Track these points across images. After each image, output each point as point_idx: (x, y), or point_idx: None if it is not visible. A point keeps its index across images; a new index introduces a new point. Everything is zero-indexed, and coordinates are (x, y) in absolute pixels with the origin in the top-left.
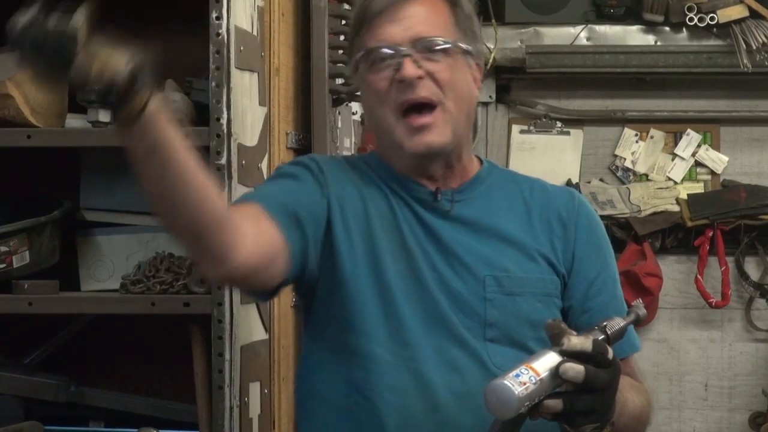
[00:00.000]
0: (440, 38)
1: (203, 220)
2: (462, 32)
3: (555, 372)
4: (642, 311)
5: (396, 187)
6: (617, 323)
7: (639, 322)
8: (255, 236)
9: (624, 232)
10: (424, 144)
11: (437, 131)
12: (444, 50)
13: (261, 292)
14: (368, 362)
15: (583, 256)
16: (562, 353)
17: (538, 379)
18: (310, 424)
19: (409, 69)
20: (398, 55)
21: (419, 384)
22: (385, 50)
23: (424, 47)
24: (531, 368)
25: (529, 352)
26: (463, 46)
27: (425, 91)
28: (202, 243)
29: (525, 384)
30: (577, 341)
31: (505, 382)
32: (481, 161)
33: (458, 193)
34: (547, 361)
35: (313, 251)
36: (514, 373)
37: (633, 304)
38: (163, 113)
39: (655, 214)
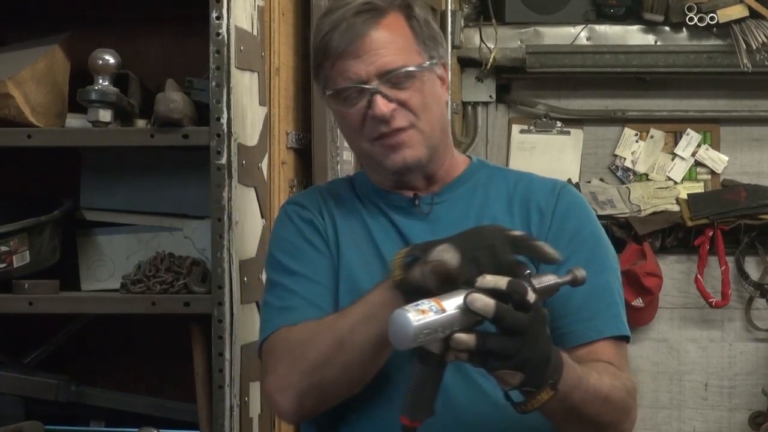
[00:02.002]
0: (406, 67)
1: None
2: (422, 44)
3: (464, 306)
4: (581, 273)
5: (377, 200)
6: (548, 279)
7: (576, 284)
8: None
9: (624, 231)
10: (401, 160)
11: (411, 148)
12: (411, 76)
13: None
14: None
15: (554, 243)
16: (475, 290)
17: (440, 309)
18: None
19: (381, 106)
20: (368, 93)
21: (397, 390)
22: (354, 89)
23: (392, 79)
24: (435, 301)
25: None
26: (427, 63)
27: (399, 121)
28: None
29: (424, 312)
30: (491, 278)
31: (403, 309)
32: (471, 160)
33: (438, 195)
34: (458, 298)
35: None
36: (415, 303)
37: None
38: None
39: (655, 213)
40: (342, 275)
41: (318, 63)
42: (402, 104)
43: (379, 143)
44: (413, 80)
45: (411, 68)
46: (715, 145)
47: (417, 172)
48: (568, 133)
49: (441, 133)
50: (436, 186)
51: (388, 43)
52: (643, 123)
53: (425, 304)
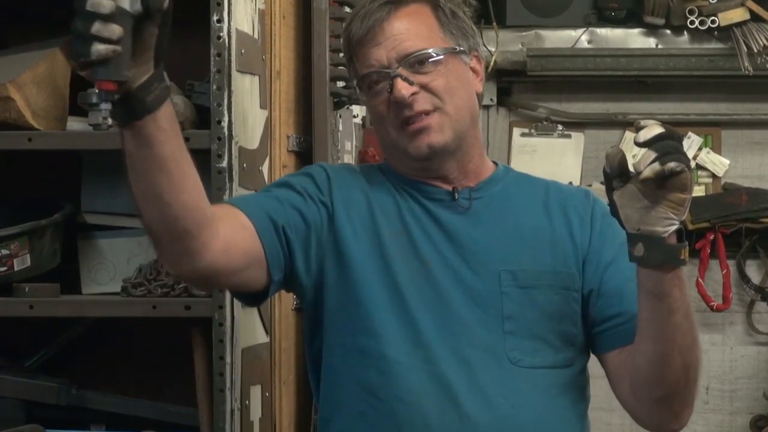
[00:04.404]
0: (426, 50)
1: (188, 222)
2: (449, 33)
3: None
4: None
5: (411, 190)
6: None
7: None
8: (228, 240)
9: None
10: (426, 145)
11: (436, 131)
12: (433, 61)
13: (246, 296)
14: (383, 364)
15: (598, 244)
16: None
17: None
18: None
19: (401, 89)
20: (388, 77)
21: (435, 385)
22: (376, 74)
23: (413, 63)
24: None
25: (548, 345)
26: (451, 48)
27: (422, 104)
28: (180, 242)
29: None
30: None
31: None
32: (496, 165)
33: (476, 191)
34: None
35: (300, 258)
36: None
37: None
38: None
39: None
40: (378, 265)
41: (348, 59)
42: (424, 87)
43: (403, 130)
44: (436, 64)
45: (431, 51)
46: (717, 149)
47: (446, 159)
48: (569, 136)
49: (470, 121)
50: (471, 181)
51: (408, 29)
52: None
53: None
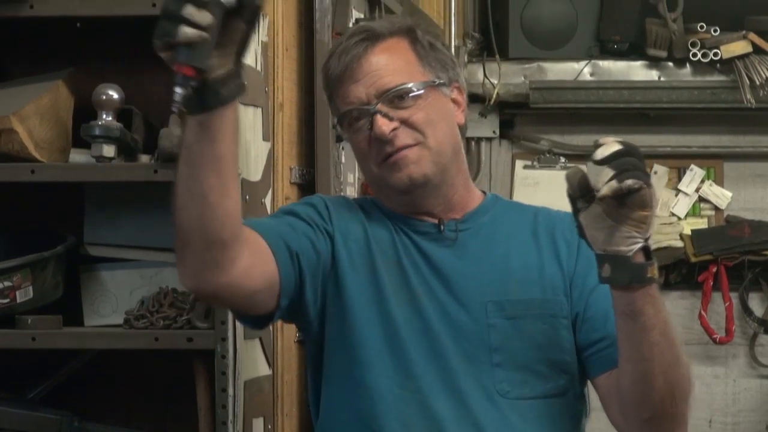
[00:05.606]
0: (405, 85)
1: (225, 230)
2: (428, 66)
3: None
4: None
5: (400, 224)
6: None
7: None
8: (251, 259)
9: None
10: (406, 176)
11: (415, 164)
12: (413, 95)
13: (251, 319)
14: (375, 395)
15: (583, 269)
16: None
17: None
18: None
19: (381, 125)
20: (368, 114)
21: (425, 417)
22: (356, 111)
23: (392, 98)
24: None
25: (536, 375)
26: (430, 81)
27: (402, 139)
28: (211, 251)
29: None
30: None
31: None
32: (484, 194)
33: (462, 222)
34: None
35: (309, 287)
36: None
37: None
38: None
39: (658, 249)
40: (373, 295)
41: (328, 96)
42: (404, 122)
43: (385, 164)
44: (416, 99)
45: (410, 85)
46: (719, 181)
47: (429, 193)
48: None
49: (452, 153)
50: (457, 213)
51: (386, 64)
52: (646, 159)
53: None
